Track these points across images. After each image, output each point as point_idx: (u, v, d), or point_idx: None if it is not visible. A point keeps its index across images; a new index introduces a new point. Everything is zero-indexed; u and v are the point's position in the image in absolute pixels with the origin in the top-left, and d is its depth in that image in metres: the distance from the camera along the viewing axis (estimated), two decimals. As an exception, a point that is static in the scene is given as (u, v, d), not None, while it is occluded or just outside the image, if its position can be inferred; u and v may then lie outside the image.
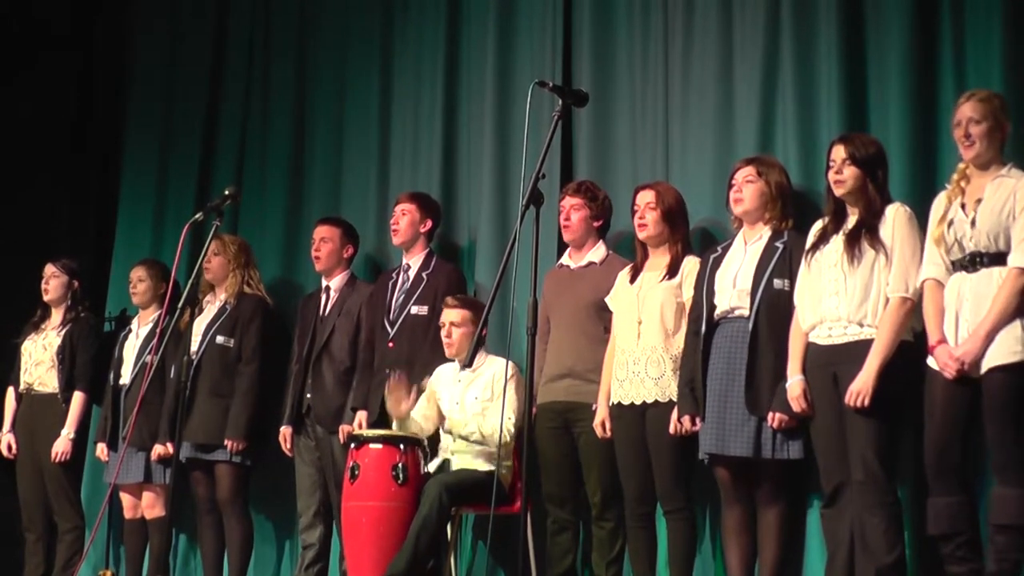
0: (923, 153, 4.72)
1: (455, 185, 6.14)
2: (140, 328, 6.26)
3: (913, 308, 4.22)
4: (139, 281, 6.30)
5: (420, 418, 5.30)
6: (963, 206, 4.10)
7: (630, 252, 5.10)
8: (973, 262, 4.04)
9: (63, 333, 6.39)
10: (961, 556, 4.01)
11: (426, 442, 5.32)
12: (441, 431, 5.33)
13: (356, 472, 5.09)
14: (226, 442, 5.80)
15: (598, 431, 4.88)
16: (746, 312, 4.55)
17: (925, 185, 4.62)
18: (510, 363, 4.95)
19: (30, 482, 6.36)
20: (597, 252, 5.20)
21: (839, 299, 4.30)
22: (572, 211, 5.18)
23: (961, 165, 4.17)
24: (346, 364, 5.75)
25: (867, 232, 4.29)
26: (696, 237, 5.13)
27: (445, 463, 5.27)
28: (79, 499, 6.38)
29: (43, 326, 6.48)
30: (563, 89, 4.26)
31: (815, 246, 4.43)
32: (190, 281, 5.15)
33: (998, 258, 3.99)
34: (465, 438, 5.19)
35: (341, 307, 5.85)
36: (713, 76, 5.32)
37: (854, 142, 4.39)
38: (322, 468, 5.78)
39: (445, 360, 5.40)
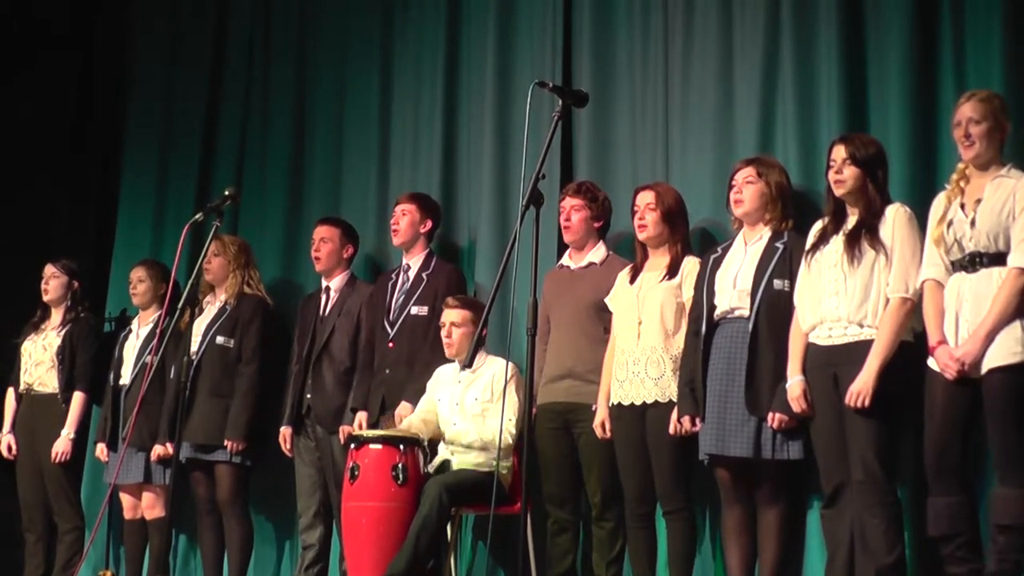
0: (923, 153, 4.72)
1: (455, 185, 6.14)
2: (140, 328, 6.25)
3: (913, 308, 4.22)
4: (139, 282, 6.30)
5: (420, 423, 5.29)
6: (962, 206, 4.09)
7: (630, 253, 5.10)
8: (973, 262, 4.04)
9: (63, 333, 6.39)
10: (961, 556, 4.01)
11: (426, 442, 5.31)
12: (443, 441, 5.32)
13: (356, 472, 5.08)
14: (226, 442, 5.80)
15: (598, 432, 4.88)
16: (746, 312, 4.55)
17: (925, 185, 4.62)
18: (510, 364, 4.95)
19: (30, 482, 6.36)
20: (597, 253, 5.19)
21: (839, 299, 4.30)
22: (573, 212, 5.17)
23: (960, 165, 4.17)
24: (346, 364, 5.75)
25: (867, 232, 4.29)
26: (696, 237, 5.13)
27: (445, 463, 5.26)
28: (79, 499, 6.38)
29: (43, 326, 6.48)
30: (563, 89, 4.26)
31: (815, 246, 4.43)
32: (190, 281, 5.14)
33: (998, 258, 3.99)
34: (468, 447, 5.19)
35: (341, 307, 5.85)
36: (713, 76, 5.31)
37: (854, 142, 4.39)
38: (322, 468, 5.78)
39: (445, 360, 5.40)
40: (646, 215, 4.92)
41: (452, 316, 5.30)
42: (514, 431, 5.11)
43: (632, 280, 4.94)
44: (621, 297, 4.95)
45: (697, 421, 4.58)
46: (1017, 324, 3.92)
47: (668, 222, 4.90)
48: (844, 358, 4.26)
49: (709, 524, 5.00)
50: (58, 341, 6.36)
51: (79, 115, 7.41)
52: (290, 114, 6.77)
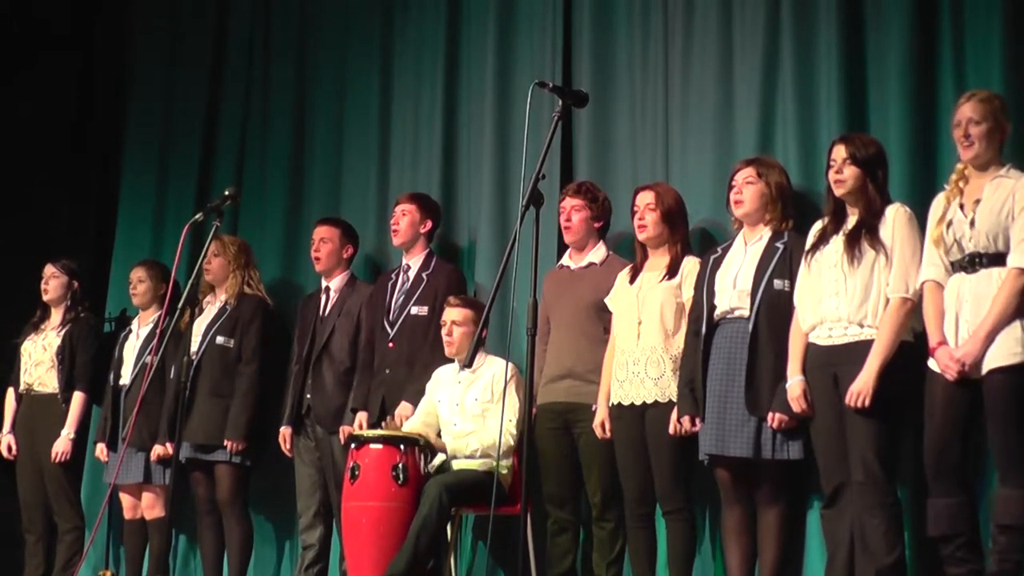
0: (923, 153, 4.72)
1: (455, 185, 6.14)
2: (140, 329, 6.25)
3: (913, 308, 4.21)
4: (139, 282, 6.30)
5: (422, 425, 5.29)
6: (962, 206, 4.09)
7: (630, 253, 5.10)
8: (972, 263, 4.04)
9: (63, 333, 6.38)
10: (961, 557, 4.00)
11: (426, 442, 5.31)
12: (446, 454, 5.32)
13: (356, 472, 5.08)
14: (226, 442, 5.80)
15: (598, 432, 4.88)
16: (746, 312, 4.55)
17: (925, 185, 4.62)
18: (510, 364, 4.95)
19: (30, 483, 6.36)
20: (597, 253, 5.19)
21: (839, 299, 4.30)
22: (573, 212, 5.17)
23: (959, 165, 4.17)
24: (346, 364, 5.75)
25: (867, 232, 4.29)
26: (696, 238, 5.13)
27: (445, 463, 5.26)
28: (79, 499, 6.38)
29: (43, 326, 6.48)
30: (563, 90, 4.26)
31: (815, 246, 4.42)
32: (190, 282, 5.14)
33: (997, 258, 3.99)
34: (470, 458, 5.19)
35: (341, 307, 5.85)
36: (713, 76, 5.31)
37: (854, 142, 4.39)
38: (322, 468, 5.78)
39: (445, 360, 5.40)
40: (646, 215, 4.92)
41: (453, 315, 5.29)
42: (515, 432, 5.11)
43: (632, 280, 4.94)
44: (621, 297, 4.95)
45: (697, 421, 4.57)
46: (1017, 324, 3.92)
47: (668, 222, 4.90)
48: (844, 358, 4.26)
49: (709, 524, 4.99)
50: (58, 341, 6.36)
51: (79, 115, 7.41)
52: (290, 114, 6.77)
